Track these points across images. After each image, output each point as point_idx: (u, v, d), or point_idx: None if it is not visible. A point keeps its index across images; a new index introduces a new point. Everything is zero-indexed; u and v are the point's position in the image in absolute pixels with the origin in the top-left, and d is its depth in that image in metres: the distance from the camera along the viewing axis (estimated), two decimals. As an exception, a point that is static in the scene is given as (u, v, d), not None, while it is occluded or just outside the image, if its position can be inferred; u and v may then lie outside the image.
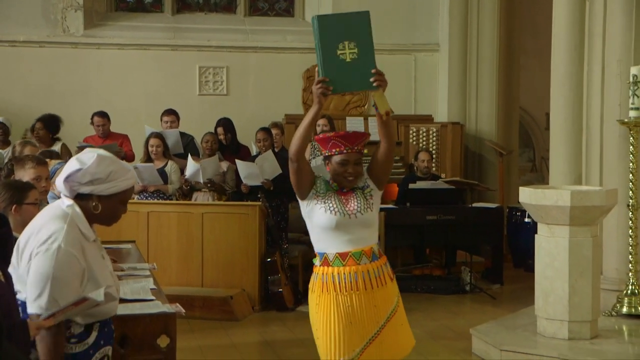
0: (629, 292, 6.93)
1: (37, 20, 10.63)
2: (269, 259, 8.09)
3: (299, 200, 4.16)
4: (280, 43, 11.31)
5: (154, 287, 4.91)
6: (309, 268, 8.92)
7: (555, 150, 7.76)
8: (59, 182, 3.15)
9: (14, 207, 4.06)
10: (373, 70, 3.81)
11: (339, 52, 3.81)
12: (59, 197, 5.53)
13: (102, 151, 3.15)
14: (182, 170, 8.71)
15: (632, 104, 6.88)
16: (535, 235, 6.50)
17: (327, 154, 4.12)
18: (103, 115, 9.38)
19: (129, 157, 9.11)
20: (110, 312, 3.15)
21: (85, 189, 3.09)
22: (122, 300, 4.23)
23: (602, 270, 7.00)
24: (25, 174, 4.81)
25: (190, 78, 11.06)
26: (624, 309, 6.90)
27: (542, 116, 11.65)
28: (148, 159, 8.67)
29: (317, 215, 4.04)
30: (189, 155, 8.78)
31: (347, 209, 4.03)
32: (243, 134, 9.82)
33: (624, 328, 6.69)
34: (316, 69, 3.86)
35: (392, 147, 4.15)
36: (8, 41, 10.53)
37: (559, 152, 7.67)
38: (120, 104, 10.41)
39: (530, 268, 8.22)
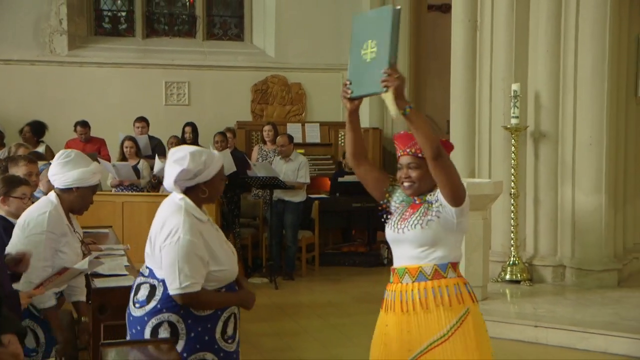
0: (511, 262, 7.12)
1: (28, 42, 10.45)
2: (223, 241, 8.06)
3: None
4: (232, 62, 11.27)
5: (127, 264, 4.88)
6: (257, 247, 8.97)
7: (454, 149, 7.87)
8: (168, 185, 3.09)
9: (1, 198, 3.99)
10: (383, 71, 2.79)
11: (362, 52, 2.91)
12: (45, 193, 5.48)
13: (191, 148, 3.08)
14: (151, 167, 8.63)
15: (513, 113, 7.05)
16: (438, 218, 6.60)
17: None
18: (84, 125, 9.28)
19: (104, 158, 8.99)
20: (232, 277, 3.11)
21: (191, 183, 3.05)
22: (101, 276, 4.22)
23: (491, 246, 7.13)
24: (18, 170, 4.73)
25: (157, 91, 10.96)
26: (507, 276, 7.09)
27: (444, 123, 11.78)
28: (123, 158, 8.58)
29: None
30: (156, 155, 8.72)
31: (400, 222, 3.02)
32: (201, 137, 9.79)
33: (507, 291, 6.87)
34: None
35: (433, 156, 2.85)
36: (3, 60, 10.34)
37: (457, 151, 7.72)
38: (98, 112, 10.28)
39: (435, 245, 8.35)
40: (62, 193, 3.61)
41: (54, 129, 9.36)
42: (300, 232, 8.46)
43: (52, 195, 3.63)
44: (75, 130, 9.30)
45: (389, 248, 9.02)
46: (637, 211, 8.27)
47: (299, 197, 8.44)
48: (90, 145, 9.15)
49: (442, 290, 2.93)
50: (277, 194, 8.30)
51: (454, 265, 3.00)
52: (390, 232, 3.06)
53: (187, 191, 3.07)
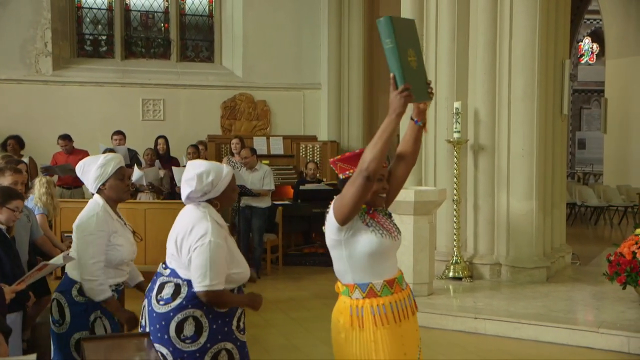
0: (453, 261, 7.17)
1: (15, 64, 10.29)
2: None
3: (337, 226, 2.72)
4: (203, 82, 11.24)
5: (108, 265, 4.79)
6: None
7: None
8: (185, 200, 3.07)
9: None
10: (428, 82, 2.65)
11: (409, 58, 2.57)
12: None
13: (200, 168, 3.03)
14: (129, 177, 8.52)
15: (455, 128, 7.13)
16: (389, 222, 6.62)
17: None
18: (65, 137, 9.13)
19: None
20: (246, 278, 3.11)
21: (203, 199, 3.03)
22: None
23: (436, 246, 7.19)
24: (4, 180, 4.63)
25: (135, 107, 10.86)
26: (450, 274, 7.13)
27: (395, 137, 11.92)
28: (103, 168, 8.44)
29: (364, 240, 2.70)
30: (135, 165, 8.64)
31: (390, 231, 2.77)
32: (176, 149, 9.72)
33: (450, 287, 6.92)
34: (392, 75, 2.54)
35: (414, 163, 2.91)
36: (-8, 79, 10.18)
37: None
38: (80, 127, 10.15)
39: (386, 246, 8.36)
40: (99, 193, 3.55)
41: (39, 143, 9.23)
42: (265, 235, 8.42)
43: (96, 196, 3.56)
44: (58, 143, 9.15)
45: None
46: (563, 215, 8.43)
47: (265, 203, 8.42)
48: (73, 157, 8.99)
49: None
50: (246, 200, 8.26)
51: None
52: (386, 241, 2.73)
53: (202, 202, 3.06)
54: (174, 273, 3.01)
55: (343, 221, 2.67)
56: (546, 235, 7.53)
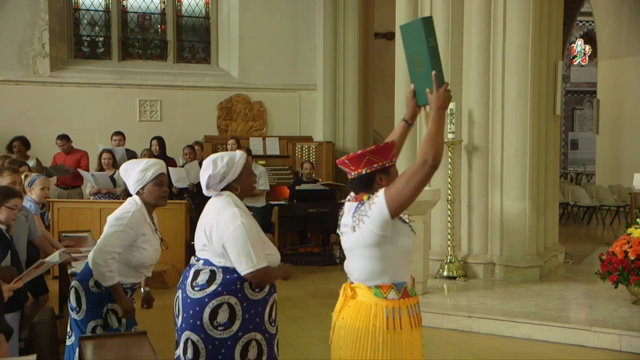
0: (448, 261, 7.17)
1: (13, 64, 10.27)
2: (192, 243, 7.95)
3: (386, 220, 2.51)
4: (200, 83, 11.23)
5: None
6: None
7: (397, 161, 7.92)
8: (206, 192, 3.10)
9: None
10: (428, 90, 2.56)
11: (414, 63, 2.63)
12: (37, 202, 5.38)
13: (215, 155, 3.10)
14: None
15: (450, 129, 7.13)
16: (384, 222, 6.62)
17: (388, 165, 2.68)
18: (62, 137, 9.12)
19: (84, 169, 8.83)
20: (277, 261, 3.12)
21: (223, 185, 3.07)
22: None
23: (431, 246, 7.20)
24: (3, 180, 4.64)
25: (132, 108, 10.85)
26: (445, 273, 7.15)
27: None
28: (101, 168, 8.45)
29: (404, 237, 2.57)
30: (132, 166, 8.63)
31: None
32: (172, 149, 9.71)
33: (445, 286, 6.92)
34: (434, 72, 2.53)
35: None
36: (-10, 80, 10.15)
37: (400, 162, 7.74)
38: (78, 128, 10.14)
39: (381, 245, 8.36)
40: (139, 195, 3.56)
41: (38, 142, 9.22)
42: (261, 235, 8.42)
43: (135, 197, 3.56)
44: (56, 143, 9.14)
45: (341, 249, 9.13)
46: (556, 215, 8.45)
47: (259, 203, 8.44)
48: (70, 156, 8.99)
49: None
50: (241, 200, 8.26)
51: None
52: (414, 239, 2.66)
53: (224, 191, 3.08)
54: (207, 262, 3.03)
55: (397, 213, 2.49)
56: (539, 235, 7.55)
